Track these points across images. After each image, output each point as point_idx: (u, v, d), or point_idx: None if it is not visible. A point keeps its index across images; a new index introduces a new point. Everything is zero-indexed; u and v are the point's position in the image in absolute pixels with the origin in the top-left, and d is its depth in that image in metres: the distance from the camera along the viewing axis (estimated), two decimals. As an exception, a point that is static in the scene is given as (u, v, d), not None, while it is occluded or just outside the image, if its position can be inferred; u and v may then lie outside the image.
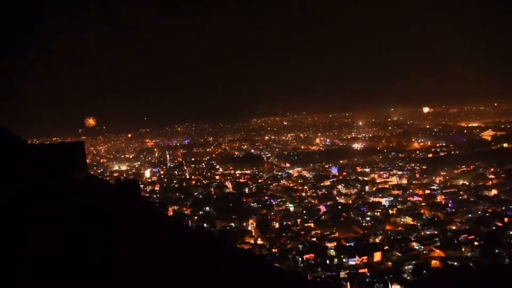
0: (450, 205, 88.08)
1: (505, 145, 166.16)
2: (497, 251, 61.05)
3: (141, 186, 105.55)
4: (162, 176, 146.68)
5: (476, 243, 64.40)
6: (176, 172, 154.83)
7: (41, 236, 12.32)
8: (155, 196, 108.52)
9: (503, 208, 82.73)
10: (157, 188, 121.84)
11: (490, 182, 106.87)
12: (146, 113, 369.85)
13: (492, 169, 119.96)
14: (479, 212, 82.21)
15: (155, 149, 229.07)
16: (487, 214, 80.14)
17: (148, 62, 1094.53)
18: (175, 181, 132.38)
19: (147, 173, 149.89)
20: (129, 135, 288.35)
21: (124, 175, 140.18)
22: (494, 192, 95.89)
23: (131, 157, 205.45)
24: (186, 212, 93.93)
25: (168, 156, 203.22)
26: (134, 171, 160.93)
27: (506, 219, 75.09)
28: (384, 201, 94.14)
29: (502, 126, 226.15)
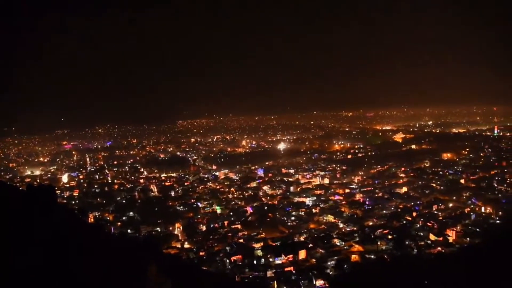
0: (367, 202, 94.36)
1: (413, 146, 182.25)
2: (407, 243, 66.86)
3: (58, 192, 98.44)
4: (82, 180, 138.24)
5: (390, 236, 69.95)
6: (97, 176, 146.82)
7: None
8: (73, 202, 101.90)
9: (412, 204, 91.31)
10: (76, 193, 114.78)
11: (401, 180, 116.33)
12: (63, 113, 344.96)
13: (402, 169, 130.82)
14: (392, 208, 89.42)
15: (73, 152, 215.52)
16: (399, 210, 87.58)
17: (68, 60, 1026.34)
18: (96, 186, 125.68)
19: (65, 178, 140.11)
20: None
21: (38, 180, 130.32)
22: (404, 189, 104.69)
23: (46, 160, 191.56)
24: (108, 218, 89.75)
25: (88, 159, 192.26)
26: (49, 175, 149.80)
27: (414, 214, 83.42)
28: (308, 201, 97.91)
29: (411, 130, 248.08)
